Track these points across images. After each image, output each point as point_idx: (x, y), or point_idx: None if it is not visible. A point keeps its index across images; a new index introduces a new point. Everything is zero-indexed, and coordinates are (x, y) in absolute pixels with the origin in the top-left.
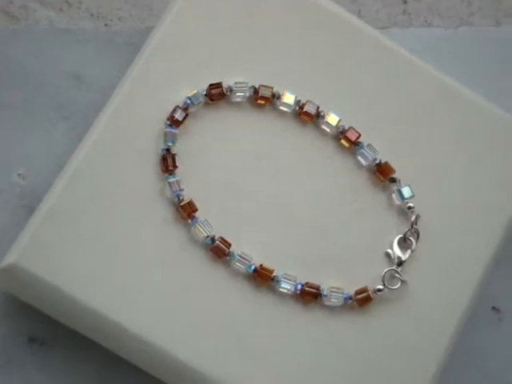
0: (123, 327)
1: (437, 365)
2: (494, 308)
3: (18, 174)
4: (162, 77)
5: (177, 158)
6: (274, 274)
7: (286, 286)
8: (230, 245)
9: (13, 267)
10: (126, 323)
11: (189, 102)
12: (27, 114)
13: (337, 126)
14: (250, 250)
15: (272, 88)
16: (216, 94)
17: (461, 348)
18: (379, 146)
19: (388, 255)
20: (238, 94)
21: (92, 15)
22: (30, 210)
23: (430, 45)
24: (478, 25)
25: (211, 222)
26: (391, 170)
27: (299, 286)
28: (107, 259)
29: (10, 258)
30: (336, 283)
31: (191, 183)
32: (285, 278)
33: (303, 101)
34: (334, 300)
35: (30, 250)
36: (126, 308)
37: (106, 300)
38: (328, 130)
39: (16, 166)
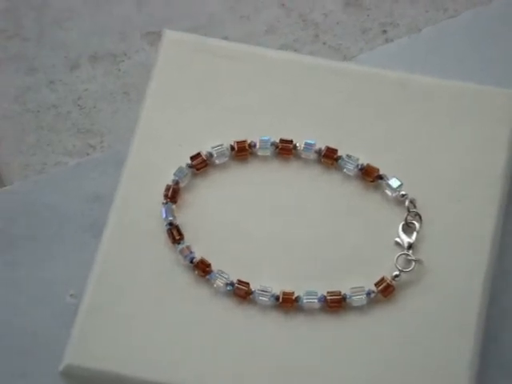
0: None
1: (475, 330)
2: None
3: (70, 295)
4: (150, 164)
5: (181, 227)
6: (296, 294)
7: (310, 301)
8: (248, 284)
9: (69, 368)
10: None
11: (176, 178)
12: (63, 243)
13: (315, 151)
14: (267, 283)
15: (246, 141)
16: (198, 163)
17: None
18: (357, 154)
19: (397, 244)
20: (217, 156)
21: (114, 148)
22: None
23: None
24: None
25: (226, 270)
26: (375, 170)
27: (322, 298)
28: (148, 332)
29: (65, 361)
30: (356, 285)
31: (200, 244)
32: (307, 295)
33: (277, 140)
34: (359, 299)
35: (80, 348)
36: (180, 370)
37: (162, 370)
38: (308, 157)
39: (66, 289)
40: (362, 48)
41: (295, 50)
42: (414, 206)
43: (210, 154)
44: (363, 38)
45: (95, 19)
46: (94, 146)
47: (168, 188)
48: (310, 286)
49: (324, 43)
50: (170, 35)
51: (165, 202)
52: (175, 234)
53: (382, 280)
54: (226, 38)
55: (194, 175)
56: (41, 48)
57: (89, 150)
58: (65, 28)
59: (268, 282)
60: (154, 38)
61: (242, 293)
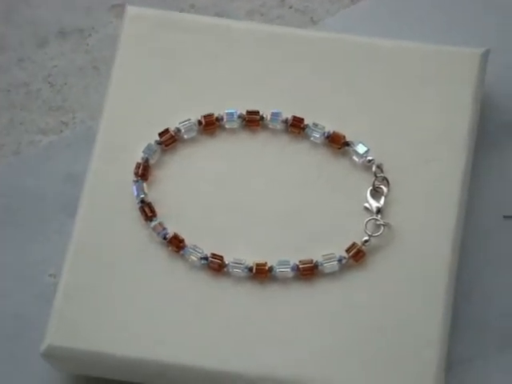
0: (161, 363)
1: (446, 291)
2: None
3: (49, 275)
4: (119, 143)
5: (153, 204)
6: (269, 265)
7: (283, 270)
8: (221, 257)
9: (50, 349)
10: (161, 358)
11: (145, 155)
12: (40, 224)
13: (281, 120)
14: (241, 255)
15: (213, 114)
16: (167, 139)
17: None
18: (324, 122)
19: (366, 209)
20: (185, 131)
21: (87, 123)
22: None
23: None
24: None
25: (200, 244)
26: (341, 137)
27: (294, 267)
28: (126, 309)
29: (45, 342)
30: (328, 252)
31: (173, 220)
32: (279, 265)
33: (243, 112)
34: (330, 265)
35: (59, 328)
36: (159, 345)
37: (141, 346)
38: (275, 127)
39: (44, 269)
40: (328, 9)
41: (262, 15)
42: (381, 171)
43: (178, 130)
44: None
45: None
46: (66, 123)
47: (138, 166)
48: (283, 256)
49: (290, 7)
50: (132, 11)
51: (135, 179)
52: (147, 211)
53: (353, 246)
54: (192, 6)
55: (164, 151)
56: (8, 26)
57: (62, 127)
58: (32, 5)
59: (241, 253)
60: (119, 10)
61: (216, 266)
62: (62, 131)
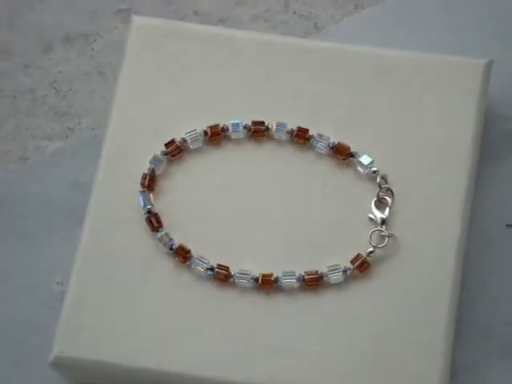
0: (167, 373)
1: (450, 300)
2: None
3: (57, 283)
4: (126, 153)
5: (160, 214)
6: (275, 275)
7: (288, 281)
8: (227, 268)
9: (59, 359)
10: (168, 368)
11: (152, 166)
12: (47, 231)
13: (287, 131)
14: (246, 265)
15: (218, 125)
16: (173, 150)
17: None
18: (328, 132)
19: (371, 220)
20: (191, 141)
21: (93, 129)
22: None
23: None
24: None
25: (206, 255)
26: (346, 148)
27: (300, 278)
28: (132, 319)
29: (53, 352)
30: (333, 263)
31: (179, 231)
32: (285, 276)
33: (248, 122)
34: (335, 276)
35: (67, 339)
36: (166, 355)
37: (149, 356)
38: (280, 137)
39: (52, 277)
40: (332, 15)
41: (266, 21)
42: (386, 182)
43: (184, 140)
44: (333, 4)
45: (66, 0)
46: (72, 129)
47: (144, 176)
48: (288, 266)
49: (294, 12)
50: (138, 21)
51: (142, 190)
52: (154, 221)
53: (358, 256)
54: (196, 13)
55: (170, 162)
56: (12, 32)
57: (67, 133)
58: (36, 10)
59: (247, 264)
60: (124, 15)
61: (222, 277)
62: (67, 137)
